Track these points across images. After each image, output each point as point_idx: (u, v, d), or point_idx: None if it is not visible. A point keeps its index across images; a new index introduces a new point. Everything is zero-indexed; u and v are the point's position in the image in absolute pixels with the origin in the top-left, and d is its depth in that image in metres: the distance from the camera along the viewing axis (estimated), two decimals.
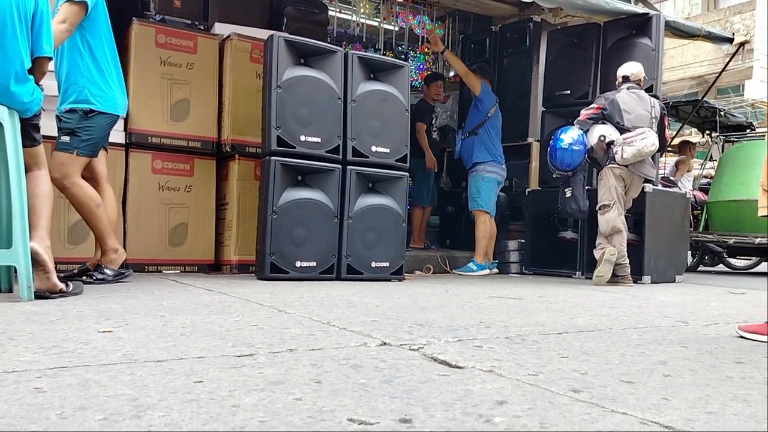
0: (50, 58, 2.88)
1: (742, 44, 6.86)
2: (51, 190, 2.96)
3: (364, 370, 1.53)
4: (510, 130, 5.99)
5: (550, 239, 5.76)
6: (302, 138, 4.15)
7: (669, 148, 8.71)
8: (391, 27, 7.63)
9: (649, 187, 5.07)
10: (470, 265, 5.56)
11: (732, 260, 8.69)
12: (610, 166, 4.74)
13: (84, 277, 3.46)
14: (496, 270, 5.76)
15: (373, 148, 4.41)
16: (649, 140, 4.61)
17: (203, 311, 2.47)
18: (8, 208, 2.68)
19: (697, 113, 8.26)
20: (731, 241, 7.30)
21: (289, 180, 4.11)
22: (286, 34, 4.38)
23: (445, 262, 5.71)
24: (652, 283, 5.03)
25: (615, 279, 4.67)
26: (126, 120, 4.34)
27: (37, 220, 2.79)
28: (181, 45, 4.63)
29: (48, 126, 3.27)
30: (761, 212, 2.32)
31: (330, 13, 6.43)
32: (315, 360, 1.62)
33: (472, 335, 2.11)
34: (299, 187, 4.15)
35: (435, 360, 1.68)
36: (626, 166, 4.72)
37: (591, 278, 4.75)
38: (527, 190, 6.05)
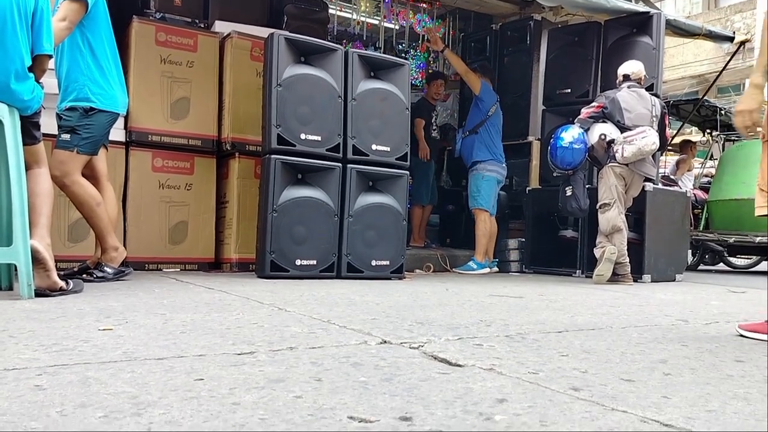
0: (50, 56, 2.88)
1: (742, 43, 6.86)
2: (51, 188, 2.96)
3: (365, 368, 1.53)
4: (510, 129, 5.98)
5: (551, 238, 5.76)
6: (302, 136, 4.15)
7: (670, 147, 8.71)
8: (391, 25, 7.63)
9: (649, 186, 5.07)
10: (470, 263, 5.57)
11: (732, 259, 8.69)
12: (610, 164, 4.74)
13: (84, 275, 3.46)
14: (496, 269, 5.76)
15: (374, 147, 4.41)
16: (650, 139, 4.61)
17: (203, 309, 2.47)
18: (8, 206, 2.68)
19: (698, 112, 8.26)
20: (731, 240, 7.30)
21: (289, 178, 4.11)
22: (287, 33, 4.37)
23: (445, 260, 5.71)
24: (652, 281, 5.04)
25: (615, 278, 4.67)
26: (126, 118, 4.35)
27: (37, 218, 2.79)
28: (181, 43, 4.63)
29: (48, 124, 3.27)
30: (758, 212, 2.32)
31: (330, 11, 6.43)
32: (315, 358, 1.62)
33: (472, 333, 2.11)
34: (299, 185, 4.15)
35: (435, 358, 1.68)
36: (627, 164, 4.72)
37: (591, 277, 4.75)
38: (527, 188, 6.05)
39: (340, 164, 4.26)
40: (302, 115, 4.16)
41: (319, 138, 4.20)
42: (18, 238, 2.62)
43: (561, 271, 5.56)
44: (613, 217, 4.69)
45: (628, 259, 4.72)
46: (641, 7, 5.77)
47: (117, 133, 4.16)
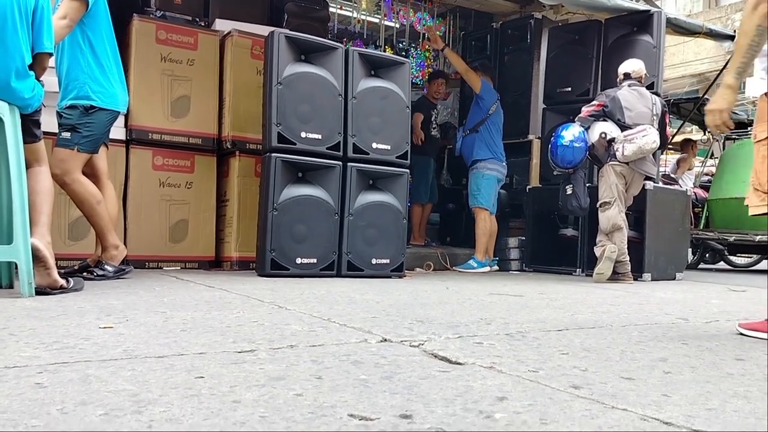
0: (51, 54, 2.88)
1: None
2: (52, 187, 2.96)
3: (365, 366, 1.53)
4: (511, 127, 5.98)
5: (551, 236, 5.76)
6: (303, 134, 4.15)
7: (670, 146, 8.71)
8: (391, 24, 7.63)
9: (649, 185, 5.07)
10: (471, 262, 5.57)
11: (732, 258, 8.69)
12: (611, 163, 4.74)
13: (85, 274, 3.46)
14: (496, 267, 5.76)
15: (374, 145, 4.41)
16: (650, 137, 4.60)
17: (204, 307, 2.47)
18: (9, 204, 2.69)
19: (699, 111, 8.24)
20: (732, 239, 7.30)
21: (289, 177, 4.11)
22: (287, 31, 4.37)
23: (445, 259, 5.71)
24: (652, 280, 5.03)
25: (615, 276, 4.67)
26: (126, 116, 4.35)
27: (37, 216, 2.79)
28: (181, 41, 4.63)
29: (48, 122, 3.27)
30: (753, 211, 2.33)
31: (331, 9, 6.43)
32: (316, 356, 1.62)
33: (472, 332, 2.11)
34: (300, 183, 4.15)
35: (435, 356, 1.68)
36: (627, 163, 4.72)
37: (591, 275, 4.75)
38: (528, 187, 6.05)
39: (340, 162, 4.26)
40: (303, 113, 4.16)
41: (319, 136, 4.20)
42: (18, 236, 2.62)
43: (561, 269, 5.56)
44: (613, 216, 4.69)
45: (628, 258, 4.72)
46: (642, 6, 5.77)
47: (117, 132, 4.16)
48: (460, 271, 5.46)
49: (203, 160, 4.74)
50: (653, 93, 5.02)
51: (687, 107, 8.23)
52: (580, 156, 4.70)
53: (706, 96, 8.12)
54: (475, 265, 5.53)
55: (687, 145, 8.76)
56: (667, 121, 5.13)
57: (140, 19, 4.54)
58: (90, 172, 3.53)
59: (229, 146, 4.70)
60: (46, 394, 1.20)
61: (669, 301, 3.47)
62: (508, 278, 4.92)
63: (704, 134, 9.34)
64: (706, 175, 8.78)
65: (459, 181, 6.82)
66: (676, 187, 6.70)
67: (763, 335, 2.17)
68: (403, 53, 7.53)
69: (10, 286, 2.87)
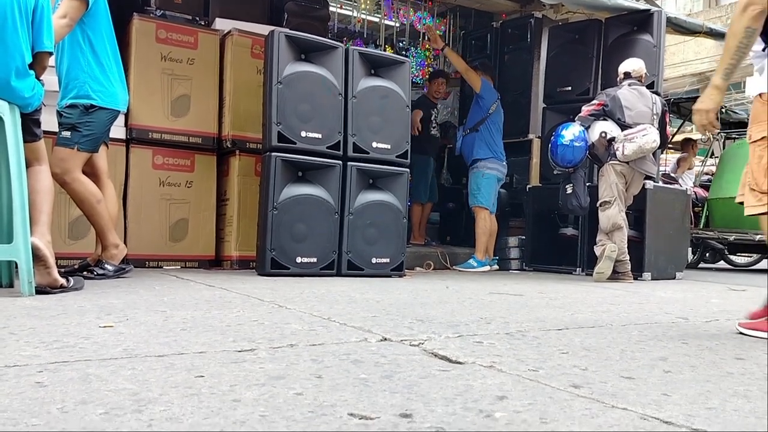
0: (51, 53, 2.88)
1: None
2: (52, 186, 2.96)
3: (365, 365, 1.53)
4: (511, 127, 5.98)
5: (551, 236, 5.76)
6: (303, 134, 4.15)
7: (670, 145, 8.70)
8: (392, 23, 7.63)
9: (650, 184, 5.07)
10: (470, 261, 5.57)
11: (733, 257, 8.69)
12: (611, 162, 4.74)
13: (85, 273, 3.46)
14: (496, 266, 5.76)
15: (374, 144, 4.41)
16: (650, 137, 4.60)
17: (204, 306, 2.47)
18: (9, 203, 2.69)
19: None
20: (732, 238, 7.30)
21: (289, 176, 4.11)
22: (287, 30, 4.37)
23: (445, 258, 5.71)
24: (652, 279, 5.03)
25: (615, 276, 4.67)
26: (126, 115, 4.35)
27: (37, 216, 2.79)
28: (181, 40, 4.63)
29: (49, 121, 3.26)
30: (750, 211, 2.34)
31: (331, 8, 6.42)
32: (316, 355, 1.62)
33: (472, 331, 2.11)
34: (300, 183, 4.15)
35: (435, 355, 1.68)
36: (627, 162, 4.72)
37: (591, 275, 4.75)
38: (528, 186, 6.05)
39: (340, 162, 4.26)
40: (303, 112, 4.15)
41: (319, 135, 4.20)
42: (18, 235, 2.62)
43: (561, 268, 5.56)
44: (613, 215, 4.69)
45: (628, 257, 4.72)
46: (642, 5, 5.76)
47: (117, 131, 4.16)
48: (460, 271, 5.46)
49: (203, 159, 4.74)
50: (653, 92, 5.02)
51: (687, 106, 8.21)
52: (580, 155, 4.70)
53: None
54: (475, 264, 5.53)
55: (687, 145, 8.75)
56: (668, 120, 5.13)
57: (140, 18, 4.54)
58: (90, 171, 3.53)
59: (229, 145, 4.70)
60: (46, 392, 1.20)
61: (669, 301, 3.47)
62: (508, 277, 4.92)
63: (704, 134, 9.33)
64: (706, 174, 8.77)
65: (459, 180, 6.82)
66: (676, 186, 6.69)
67: (763, 334, 2.17)
68: (404, 52, 7.53)
69: (11, 285, 2.87)
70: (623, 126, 4.68)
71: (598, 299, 3.36)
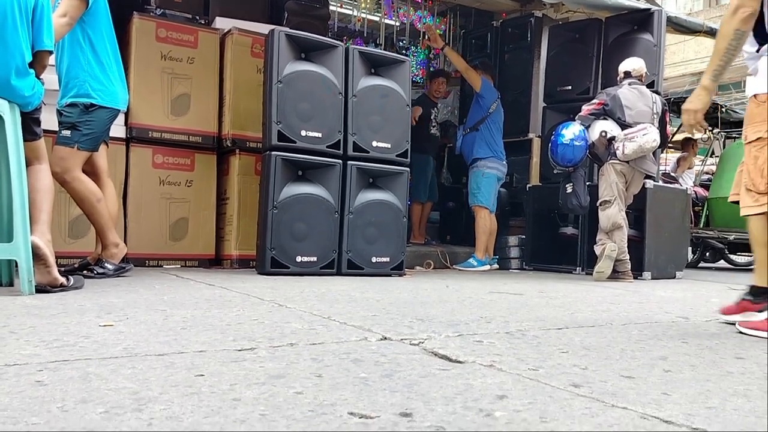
0: (51, 52, 2.88)
1: None
2: (52, 185, 2.96)
3: (365, 364, 1.53)
4: (511, 126, 5.98)
5: (551, 235, 5.76)
6: (303, 133, 4.15)
7: (670, 145, 8.69)
8: (392, 22, 7.63)
9: (650, 183, 5.07)
10: (470, 260, 5.57)
11: (733, 256, 8.69)
12: (611, 161, 4.74)
13: (85, 272, 3.47)
14: (496, 266, 5.76)
15: (374, 144, 4.41)
16: (651, 136, 4.60)
17: (204, 305, 2.47)
18: (9, 202, 2.69)
19: None
20: (732, 238, 7.30)
21: (289, 175, 4.11)
22: (287, 29, 4.37)
23: (445, 257, 5.71)
24: (652, 279, 5.04)
25: (615, 275, 4.67)
26: (127, 114, 4.35)
27: (38, 214, 2.79)
28: (181, 39, 4.63)
29: (49, 120, 3.27)
30: (746, 211, 2.36)
31: (331, 8, 6.43)
32: (316, 354, 1.62)
33: (472, 330, 2.11)
34: (300, 182, 4.15)
35: (435, 355, 1.68)
36: (627, 161, 4.72)
37: (591, 274, 4.75)
38: (528, 185, 6.05)
39: (340, 161, 4.26)
40: (303, 111, 4.15)
41: (319, 135, 4.20)
42: (18, 234, 2.62)
43: (561, 268, 5.56)
44: (613, 214, 4.69)
45: (628, 257, 4.72)
46: (642, 4, 5.76)
47: (117, 130, 4.16)
48: (460, 270, 5.46)
49: (203, 158, 4.74)
50: (654, 91, 5.02)
51: None
52: (581, 154, 4.70)
53: None
54: (475, 263, 5.53)
55: (687, 144, 8.75)
56: (668, 119, 5.13)
57: (140, 17, 4.54)
58: (90, 170, 3.53)
59: (229, 144, 4.70)
60: (46, 391, 1.20)
61: (669, 300, 3.47)
62: (508, 277, 4.92)
63: (704, 133, 9.33)
64: (707, 173, 8.77)
65: (459, 179, 6.82)
66: (676, 185, 6.69)
67: (763, 334, 2.17)
68: (404, 51, 7.53)
69: (11, 284, 2.87)
70: (623, 125, 4.68)
71: (598, 298, 3.36)
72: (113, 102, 3.49)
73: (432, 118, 6.36)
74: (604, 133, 4.70)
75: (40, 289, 2.67)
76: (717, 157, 8.38)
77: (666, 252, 5.32)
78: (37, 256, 2.66)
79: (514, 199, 6.21)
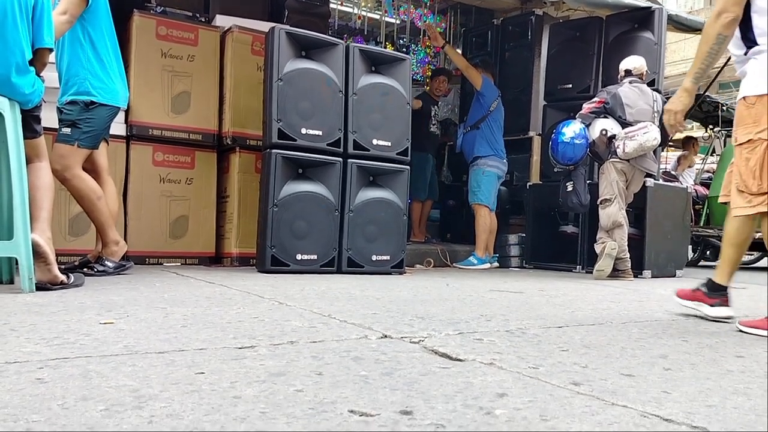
0: (51, 50, 2.87)
1: None
2: (52, 182, 2.96)
3: (365, 362, 1.53)
4: (511, 124, 5.98)
5: (551, 233, 5.76)
6: (303, 131, 4.15)
7: (671, 143, 8.69)
8: (392, 20, 7.62)
9: (650, 182, 5.06)
10: (471, 258, 5.56)
11: None
12: (611, 160, 4.73)
13: (85, 269, 3.47)
14: (496, 264, 5.76)
15: (374, 142, 4.41)
16: (651, 135, 4.60)
17: (204, 303, 2.47)
18: (9, 200, 2.69)
19: (699, 108, 8.23)
20: None
21: (290, 173, 4.11)
22: (288, 27, 4.36)
23: (445, 255, 5.71)
24: (652, 277, 5.03)
25: (615, 273, 4.67)
26: (127, 112, 4.34)
27: (38, 212, 2.79)
28: (182, 37, 4.62)
29: (49, 118, 3.26)
30: (736, 212, 2.37)
31: (331, 5, 6.42)
32: (316, 352, 1.62)
33: (472, 328, 2.11)
34: (300, 180, 4.15)
35: (436, 353, 1.68)
36: (628, 160, 4.72)
37: (591, 272, 4.75)
38: (528, 184, 6.05)
39: (340, 159, 4.26)
40: (303, 109, 4.15)
41: (319, 133, 4.20)
42: (19, 232, 2.62)
43: (561, 266, 5.56)
44: (613, 213, 4.69)
45: (628, 255, 4.72)
46: (643, 3, 5.75)
47: (118, 127, 4.16)
48: (460, 268, 5.46)
49: (203, 156, 4.73)
50: (654, 90, 5.01)
51: None
52: (581, 153, 4.70)
53: (707, 93, 8.11)
54: (476, 261, 5.53)
55: (688, 143, 8.75)
56: None
57: (140, 14, 4.53)
58: (90, 167, 3.53)
59: (229, 142, 4.69)
60: (46, 389, 1.20)
61: (669, 298, 3.46)
62: (508, 275, 4.92)
63: (705, 131, 9.34)
64: (707, 172, 8.77)
65: (459, 177, 6.82)
66: (676, 184, 6.69)
67: (763, 332, 2.18)
68: (404, 50, 7.52)
69: (11, 282, 2.87)
70: (624, 124, 4.68)
71: (598, 297, 3.36)
72: (113, 100, 3.49)
73: (432, 115, 6.36)
74: (604, 132, 4.70)
75: (41, 287, 2.67)
76: (717, 155, 8.37)
77: (666, 250, 5.32)
78: (38, 253, 2.66)
79: (515, 198, 6.21)
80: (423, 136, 6.03)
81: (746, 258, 8.73)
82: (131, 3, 4.67)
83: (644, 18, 5.56)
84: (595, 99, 4.83)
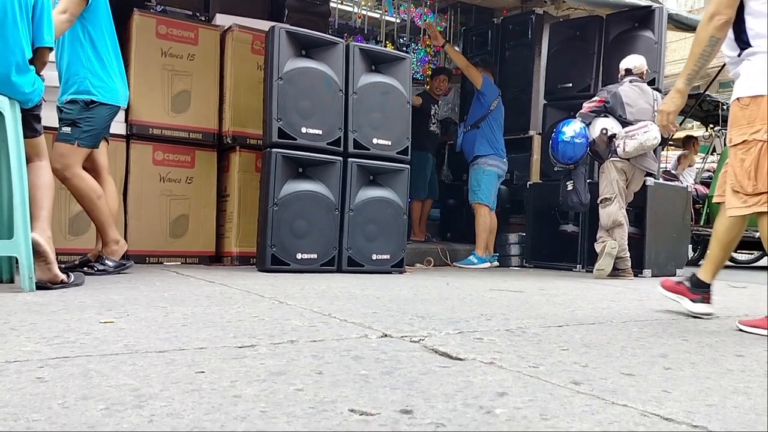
0: (51, 49, 2.87)
1: None
2: (52, 181, 2.96)
3: (365, 361, 1.53)
4: (511, 123, 5.97)
5: (551, 232, 5.76)
6: (303, 130, 4.14)
7: (671, 142, 8.68)
8: (392, 19, 7.62)
9: (650, 181, 5.06)
10: (471, 258, 5.56)
11: (733, 254, 8.68)
12: (611, 159, 4.73)
13: (85, 268, 3.47)
14: (496, 263, 5.76)
15: (375, 141, 4.40)
16: (652, 134, 4.60)
17: (204, 302, 2.47)
18: (9, 199, 2.69)
19: (700, 107, 8.23)
20: None
21: (290, 172, 4.11)
22: (288, 26, 4.36)
23: (445, 254, 5.71)
24: (652, 276, 5.03)
25: (616, 272, 4.67)
26: (127, 111, 4.34)
27: (38, 211, 2.79)
28: (182, 36, 4.62)
29: (49, 117, 3.26)
30: (731, 213, 2.38)
31: (331, 4, 6.42)
32: (316, 351, 1.62)
33: (472, 327, 2.11)
34: (300, 179, 4.15)
35: (436, 352, 1.68)
36: (628, 159, 4.71)
37: (592, 271, 4.75)
38: (528, 183, 6.05)
39: (340, 158, 4.26)
40: (303, 108, 4.15)
41: (320, 132, 4.20)
42: (19, 231, 2.62)
43: (561, 265, 5.56)
44: (614, 212, 4.68)
45: (628, 254, 4.72)
46: (643, 2, 5.75)
47: (118, 126, 4.15)
48: (460, 267, 5.46)
49: (204, 155, 4.73)
50: (655, 89, 5.01)
51: (688, 103, 8.18)
52: (581, 152, 4.69)
53: (707, 92, 8.11)
54: (476, 261, 5.53)
55: (688, 142, 8.74)
56: None
57: (140, 13, 4.53)
58: (90, 167, 3.53)
59: (229, 141, 4.69)
60: (47, 388, 1.20)
61: (669, 298, 3.46)
62: (508, 274, 4.92)
63: (706, 130, 9.34)
64: (707, 171, 8.77)
65: (459, 176, 6.82)
66: (677, 183, 6.69)
67: (763, 332, 2.18)
68: (404, 49, 7.52)
69: (11, 281, 2.87)
70: (624, 123, 4.68)
71: (598, 296, 3.36)
72: (113, 99, 3.49)
73: (432, 114, 6.36)
74: (604, 131, 4.70)
75: (41, 286, 2.67)
76: (718, 154, 8.36)
77: (666, 249, 5.32)
78: (38, 252, 2.66)
79: (515, 197, 6.21)
80: (423, 135, 6.03)
81: (746, 257, 8.75)
82: (131, 2, 4.67)
83: (644, 17, 5.56)
84: (596, 98, 4.82)
